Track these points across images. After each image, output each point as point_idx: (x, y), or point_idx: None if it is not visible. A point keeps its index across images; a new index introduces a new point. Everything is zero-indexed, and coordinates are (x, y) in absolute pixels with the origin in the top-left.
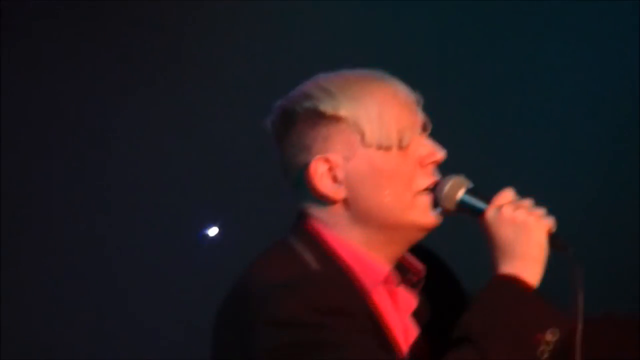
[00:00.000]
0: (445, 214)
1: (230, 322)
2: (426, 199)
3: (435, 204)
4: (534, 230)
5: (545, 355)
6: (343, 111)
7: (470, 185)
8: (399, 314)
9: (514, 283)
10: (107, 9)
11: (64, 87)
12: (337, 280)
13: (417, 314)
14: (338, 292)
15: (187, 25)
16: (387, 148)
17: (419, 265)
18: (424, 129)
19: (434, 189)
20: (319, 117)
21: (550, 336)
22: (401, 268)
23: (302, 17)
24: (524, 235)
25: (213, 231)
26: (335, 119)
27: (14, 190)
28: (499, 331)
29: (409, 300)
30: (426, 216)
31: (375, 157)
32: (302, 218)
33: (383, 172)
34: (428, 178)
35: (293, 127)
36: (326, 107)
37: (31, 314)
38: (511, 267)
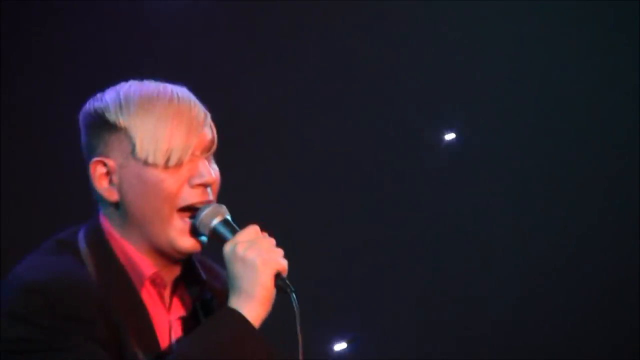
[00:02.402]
0: (207, 241)
1: None
2: (185, 222)
3: (196, 228)
4: (260, 272)
5: None
6: (122, 122)
7: (227, 215)
8: (168, 314)
9: (231, 317)
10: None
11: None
12: (90, 284)
13: (188, 321)
14: (81, 298)
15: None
16: (154, 165)
17: (188, 299)
18: (206, 150)
19: (195, 214)
20: (105, 123)
21: None
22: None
23: None
24: (250, 275)
25: None
26: (116, 128)
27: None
28: None
29: (184, 305)
30: (182, 237)
31: (142, 170)
32: (96, 211)
33: (147, 185)
34: (193, 197)
35: (86, 126)
36: (111, 115)
37: None
38: (235, 301)
